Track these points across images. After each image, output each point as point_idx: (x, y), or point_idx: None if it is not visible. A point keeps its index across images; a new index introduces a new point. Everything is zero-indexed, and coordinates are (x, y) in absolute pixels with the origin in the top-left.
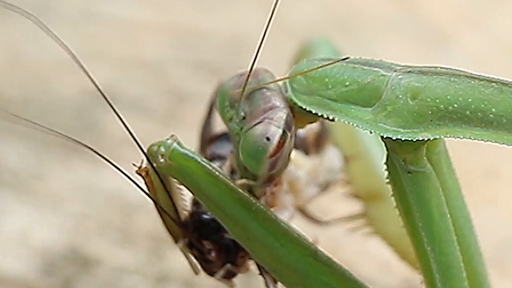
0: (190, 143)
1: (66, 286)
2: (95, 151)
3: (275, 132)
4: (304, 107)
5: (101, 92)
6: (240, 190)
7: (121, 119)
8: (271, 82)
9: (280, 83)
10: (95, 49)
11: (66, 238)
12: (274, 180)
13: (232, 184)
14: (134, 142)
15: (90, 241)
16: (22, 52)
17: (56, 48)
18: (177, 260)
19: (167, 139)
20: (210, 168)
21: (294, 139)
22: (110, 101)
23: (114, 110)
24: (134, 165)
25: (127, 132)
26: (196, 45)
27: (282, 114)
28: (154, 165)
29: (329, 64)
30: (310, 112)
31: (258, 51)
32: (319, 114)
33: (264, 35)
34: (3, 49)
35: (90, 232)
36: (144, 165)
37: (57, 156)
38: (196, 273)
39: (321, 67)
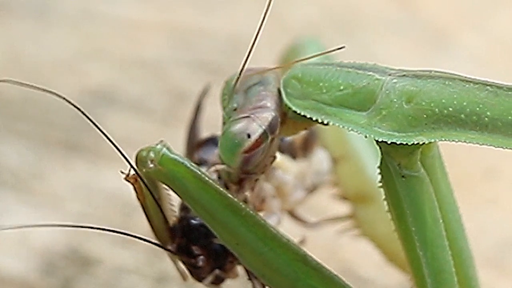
0: None
1: (66, 286)
2: None
3: (255, 130)
4: (298, 111)
5: (78, 108)
6: (229, 195)
7: (102, 131)
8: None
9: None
10: (95, 49)
11: (66, 238)
12: (247, 174)
13: (221, 189)
14: (119, 153)
15: (90, 241)
16: (22, 52)
17: (56, 48)
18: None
19: (157, 144)
20: (199, 173)
21: (276, 144)
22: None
23: (96, 125)
24: (122, 172)
25: (114, 145)
26: (196, 45)
27: (268, 115)
28: (143, 170)
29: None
30: (305, 116)
31: (252, 46)
32: (314, 119)
33: (259, 30)
34: (3, 49)
35: (90, 232)
36: (132, 172)
37: (57, 156)
38: (184, 279)
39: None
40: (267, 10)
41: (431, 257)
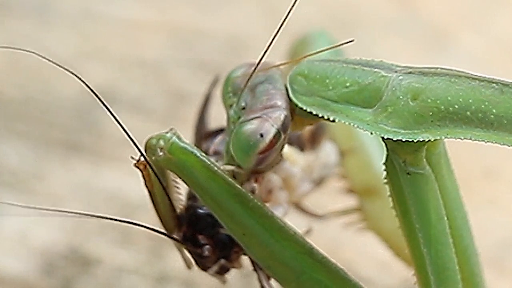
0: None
1: (66, 286)
2: None
3: (269, 131)
4: (304, 108)
5: (96, 94)
6: (238, 186)
7: (116, 119)
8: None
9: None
10: (95, 49)
11: (66, 238)
12: (258, 173)
13: (229, 179)
14: (130, 140)
15: (90, 241)
16: (22, 52)
17: (56, 48)
18: (177, 260)
19: (167, 133)
20: (209, 162)
21: (286, 141)
22: (106, 103)
23: (110, 111)
24: (132, 158)
25: (125, 132)
26: (196, 45)
27: (280, 115)
28: (153, 158)
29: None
30: (311, 113)
31: (269, 47)
32: (320, 115)
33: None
34: (3, 49)
35: (90, 232)
36: (142, 159)
37: (57, 156)
38: (189, 267)
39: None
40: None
41: (435, 254)
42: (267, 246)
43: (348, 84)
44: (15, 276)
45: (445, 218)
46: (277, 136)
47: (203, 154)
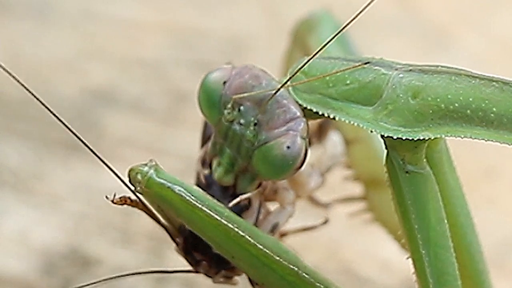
0: (189, 142)
1: (66, 286)
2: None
3: (302, 145)
4: (305, 105)
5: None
6: (218, 217)
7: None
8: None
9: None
10: (95, 49)
11: (66, 238)
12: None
13: (209, 211)
14: (111, 172)
15: (90, 241)
16: (22, 52)
17: (56, 48)
18: (177, 260)
19: (145, 165)
20: (187, 197)
21: None
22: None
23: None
24: (107, 197)
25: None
26: (196, 45)
27: (303, 124)
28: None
29: (348, 69)
30: (311, 110)
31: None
32: (320, 113)
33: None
34: (3, 49)
35: (90, 232)
36: (118, 197)
37: (57, 156)
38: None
39: (339, 71)
40: None
41: (434, 257)
42: (256, 269)
43: (348, 82)
44: (15, 276)
45: (445, 221)
46: (307, 146)
47: (181, 188)
